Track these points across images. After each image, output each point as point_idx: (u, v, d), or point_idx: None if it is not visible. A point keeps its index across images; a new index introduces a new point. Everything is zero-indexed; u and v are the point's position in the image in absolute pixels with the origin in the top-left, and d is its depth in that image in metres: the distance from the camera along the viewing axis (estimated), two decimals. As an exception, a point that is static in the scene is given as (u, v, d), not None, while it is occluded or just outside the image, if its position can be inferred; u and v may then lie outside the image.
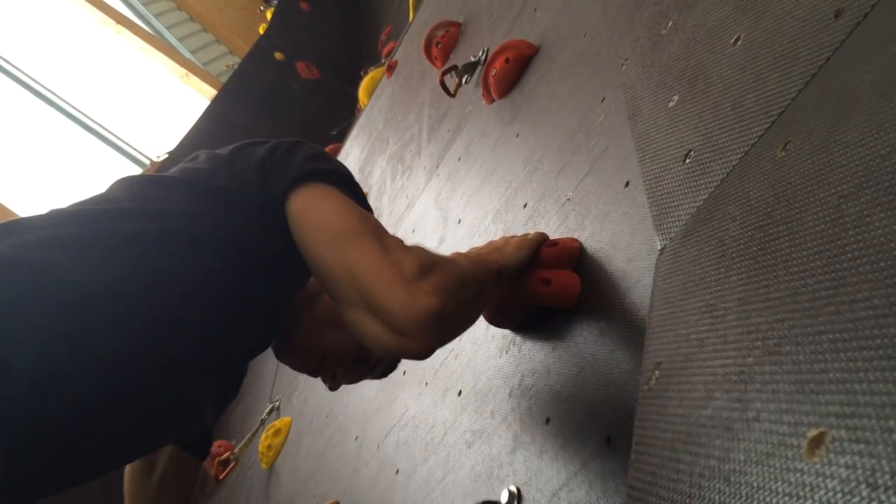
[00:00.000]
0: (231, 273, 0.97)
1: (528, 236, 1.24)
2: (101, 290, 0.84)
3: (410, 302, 0.89)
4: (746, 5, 0.87)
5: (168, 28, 7.83)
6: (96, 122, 6.92)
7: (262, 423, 2.82)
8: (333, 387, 1.25)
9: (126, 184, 1.02)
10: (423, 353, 0.95)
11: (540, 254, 1.27)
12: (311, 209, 1.01)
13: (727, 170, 0.79)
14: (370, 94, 4.25)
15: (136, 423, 0.89)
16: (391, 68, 3.83)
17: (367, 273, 0.92)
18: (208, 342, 0.94)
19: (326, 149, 4.67)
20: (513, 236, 1.26)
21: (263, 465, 2.53)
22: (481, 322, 1.44)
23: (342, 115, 5.48)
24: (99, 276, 0.84)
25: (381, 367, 1.30)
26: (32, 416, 0.76)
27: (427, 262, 0.95)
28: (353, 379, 1.29)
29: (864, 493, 0.39)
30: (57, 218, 0.92)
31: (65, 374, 0.78)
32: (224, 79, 6.59)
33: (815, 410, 0.46)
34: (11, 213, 5.27)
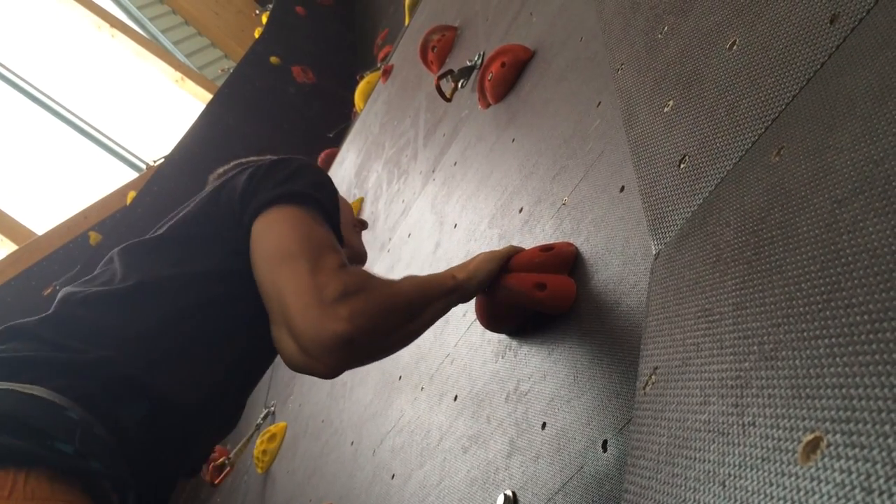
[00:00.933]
0: (232, 295, 1.06)
1: (498, 251, 1.28)
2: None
3: (319, 325, 0.94)
4: (742, 10, 0.88)
5: (163, 32, 7.82)
6: (92, 126, 6.90)
7: (258, 427, 2.82)
8: None
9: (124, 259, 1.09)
10: (327, 374, 1.00)
11: (535, 258, 1.27)
12: (260, 235, 1.07)
13: (722, 175, 0.79)
14: (366, 98, 4.25)
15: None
16: (387, 72, 3.83)
17: (288, 293, 0.98)
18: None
19: (323, 153, 4.66)
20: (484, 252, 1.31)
21: (259, 470, 2.53)
22: (477, 327, 1.44)
23: (338, 119, 5.49)
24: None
25: None
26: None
27: (352, 287, 0.98)
28: None
29: (859, 498, 0.39)
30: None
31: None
32: (219, 83, 6.59)
33: (810, 415, 0.46)
34: (6, 215, 5.26)
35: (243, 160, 1.26)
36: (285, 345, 1.00)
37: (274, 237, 1.04)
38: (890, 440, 0.39)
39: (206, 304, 1.03)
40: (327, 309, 0.94)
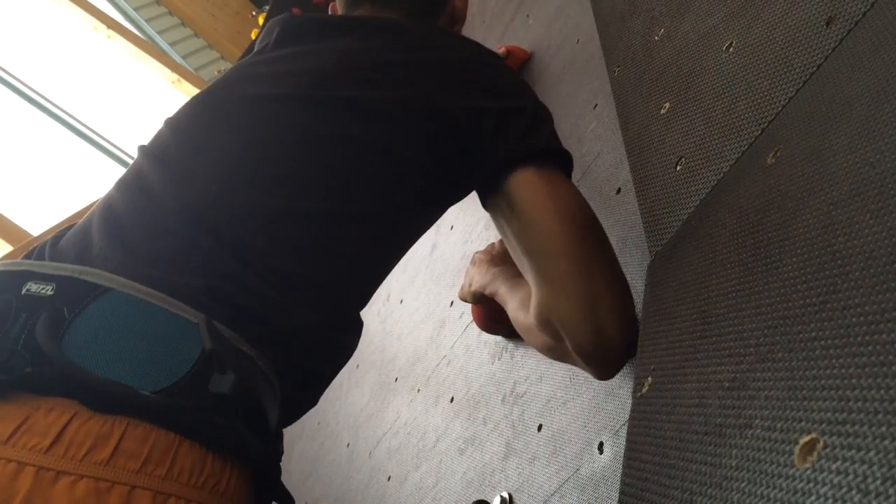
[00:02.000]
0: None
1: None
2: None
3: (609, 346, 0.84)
4: (739, 12, 0.88)
5: (159, 33, 7.81)
6: (87, 127, 6.89)
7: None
8: None
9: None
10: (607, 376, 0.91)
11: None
12: (534, 204, 0.87)
13: (718, 177, 0.79)
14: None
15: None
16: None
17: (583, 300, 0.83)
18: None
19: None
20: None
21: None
22: (474, 329, 1.44)
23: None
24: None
25: None
26: None
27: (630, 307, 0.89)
28: None
29: (856, 499, 0.39)
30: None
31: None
32: (216, 84, 6.58)
33: (807, 417, 0.46)
34: (1, 216, 5.25)
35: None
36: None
37: (559, 219, 0.87)
38: (886, 442, 0.39)
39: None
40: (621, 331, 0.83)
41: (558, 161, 0.92)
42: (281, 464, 0.76)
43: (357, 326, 0.90)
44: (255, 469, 0.70)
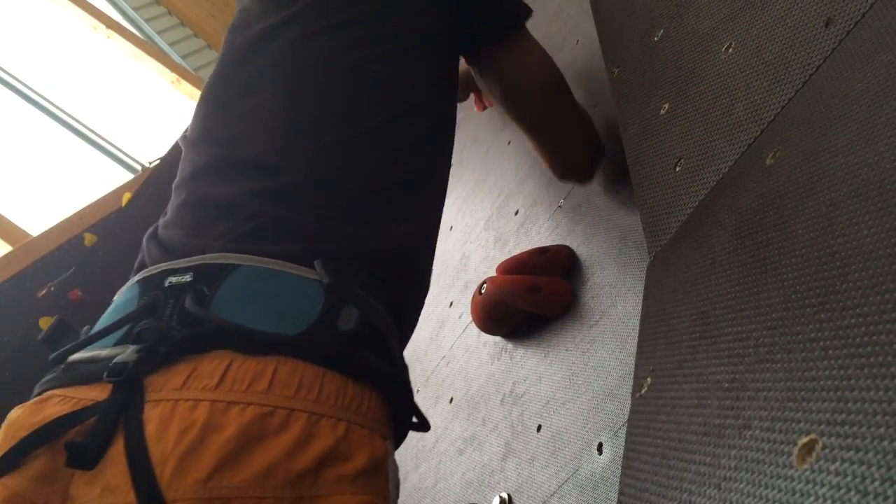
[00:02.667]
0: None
1: None
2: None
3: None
4: (738, 14, 0.88)
5: (159, 33, 7.80)
6: (87, 128, 6.89)
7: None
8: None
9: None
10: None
11: (531, 261, 1.27)
12: (527, 62, 1.18)
13: (718, 177, 0.79)
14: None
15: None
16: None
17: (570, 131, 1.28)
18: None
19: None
20: None
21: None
22: (473, 329, 1.44)
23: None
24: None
25: None
26: None
27: None
28: None
29: (855, 500, 0.39)
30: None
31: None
32: (215, 84, 6.57)
33: (806, 418, 0.47)
34: (1, 216, 5.25)
35: None
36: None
37: (546, 68, 1.20)
38: (885, 443, 0.40)
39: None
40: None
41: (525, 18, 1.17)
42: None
43: (432, 242, 0.98)
44: (389, 391, 0.80)
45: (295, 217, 0.82)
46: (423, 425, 0.88)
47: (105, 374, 0.70)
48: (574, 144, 1.28)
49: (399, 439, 0.87)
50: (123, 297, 0.81)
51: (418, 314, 0.95)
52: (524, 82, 1.18)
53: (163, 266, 0.80)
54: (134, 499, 0.63)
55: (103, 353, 0.74)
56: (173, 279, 0.78)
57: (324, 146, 0.87)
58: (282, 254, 0.78)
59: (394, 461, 0.80)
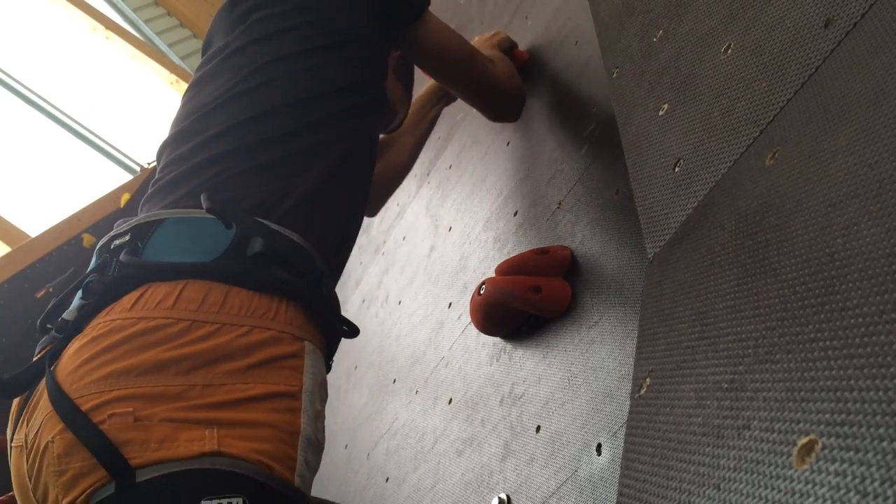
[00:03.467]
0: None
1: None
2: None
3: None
4: (737, 14, 0.88)
5: (158, 34, 7.80)
6: (86, 129, 6.88)
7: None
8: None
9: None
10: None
11: (530, 261, 1.27)
12: (439, 37, 1.40)
13: (717, 178, 0.79)
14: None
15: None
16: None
17: (496, 80, 1.57)
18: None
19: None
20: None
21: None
22: (472, 330, 1.44)
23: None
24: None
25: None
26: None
27: None
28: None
29: (854, 501, 0.39)
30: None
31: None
32: (214, 85, 6.56)
33: (805, 418, 0.47)
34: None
35: None
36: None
37: (455, 40, 1.43)
38: (885, 443, 0.39)
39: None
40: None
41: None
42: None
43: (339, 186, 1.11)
44: (305, 302, 0.94)
45: (219, 186, 0.99)
46: (352, 331, 1.05)
47: (54, 331, 0.90)
48: (495, 96, 1.59)
49: (332, 342, 1.02)
50: (89, 267, 0.98)
51: (345, 246, 1.14)
52: (439, 51, 1.41)
53: (111, 233, 0.98)
54: (52, 408, 0.78)
55: (67, 314, 0.90)
56: (117, 241, 0.95)
57: (249, 144, 1.04)
58: (201, 208, 0.93)
59: (318, 357, 0.94)
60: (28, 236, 4.66)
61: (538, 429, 1.10)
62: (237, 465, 0.77)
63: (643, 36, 1.08)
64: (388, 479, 1.56)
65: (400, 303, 2.03)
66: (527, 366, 1.22)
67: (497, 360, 1.33)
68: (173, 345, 0.82)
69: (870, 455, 0.40)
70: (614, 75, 1.13)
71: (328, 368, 1.05)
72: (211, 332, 0.84)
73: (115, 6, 7.50)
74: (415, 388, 1.65)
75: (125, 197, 5.13)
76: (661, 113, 0.95)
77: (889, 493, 0.37)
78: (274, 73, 1.10)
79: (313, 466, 0.91)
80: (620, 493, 0.65)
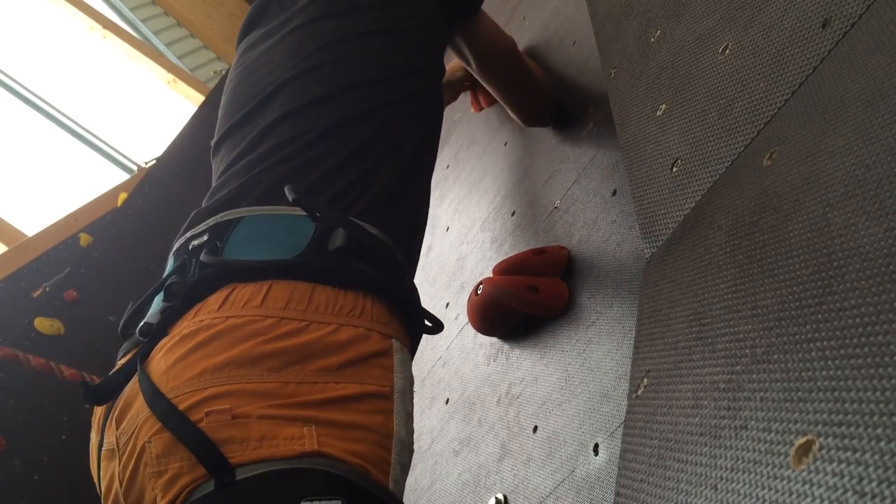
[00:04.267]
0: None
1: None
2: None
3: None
4: (735, 14, 0.88)
5: (155, 33, 7.78)
6: (83, 128, 6.87)
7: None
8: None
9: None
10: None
11: (528, 262, 1.27)
12: (492, 31, 1.43)
13: (714, 178, 0.79)
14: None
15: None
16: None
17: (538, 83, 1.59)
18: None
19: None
20: None
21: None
22: (469, 330, 1.44)
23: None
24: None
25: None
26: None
27: None
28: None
29: (852, 501, 0.39)
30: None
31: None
32: (212, 84, 6.55)
33: (802, 418, 0.46)
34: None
35: None
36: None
37: (506, 38, 1.48)
38: (882, 443, 0.39)
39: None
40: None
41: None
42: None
43: (417, 180, 1.10)
44: (392, 297, 0.92)
45: (294, 176, 0.96)
46: (437, 326, 1.00)
47: (138, 335, 0.89)
48: (534, 97, 1.57)
49: (415, 338, 0.99)
50: (166, 269, 0.97)
51: (419, 237, 1.10)
52: (492, 47, 1.44)
53: (188, 234, 0.96)
54: (149, 411, 0.77)
55: (150, 317, 0.90)
56: (195, 242, 0.93)
57: (320, 133, 1.00)
58: (279, 202, 0.92)
59: (405, 356, 0.90)
60: (24, 235, 4.65)
61: (535, 429, 1.10)
62: (336, 467, 0.75)
63: (641, 36, 1.08)
64: (384, 480, 1.56)
65: (397, 303, 2.02)
66: (524, 366, 1.22)
67: (494, 361, 1.33)
68: (264, 339, 0.80)
69: (867, 455, 0.40)
70: (612, 75, 1.13)
71: None
72: (300, 328, 0.82)
73: (112, 5, 7.49)
74: (412, 388, 1.65)
75: (122, 196, 5.12)
76: (658, 113, 0.95)
77: (887, 493, 0.37)
78: (340, 52, 1.07)
79: (406, 470, 0.87)
80: (617, 494, 0.65)
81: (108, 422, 0.86)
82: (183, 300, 0.86)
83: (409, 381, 0.90)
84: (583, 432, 0.99)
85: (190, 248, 0.93)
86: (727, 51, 0.87)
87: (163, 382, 0.79)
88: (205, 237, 0.93)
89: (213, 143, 1.16)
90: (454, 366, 1.48)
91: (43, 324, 3.64)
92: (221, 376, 0.77)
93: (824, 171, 0.60)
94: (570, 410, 1.04)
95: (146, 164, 5.86)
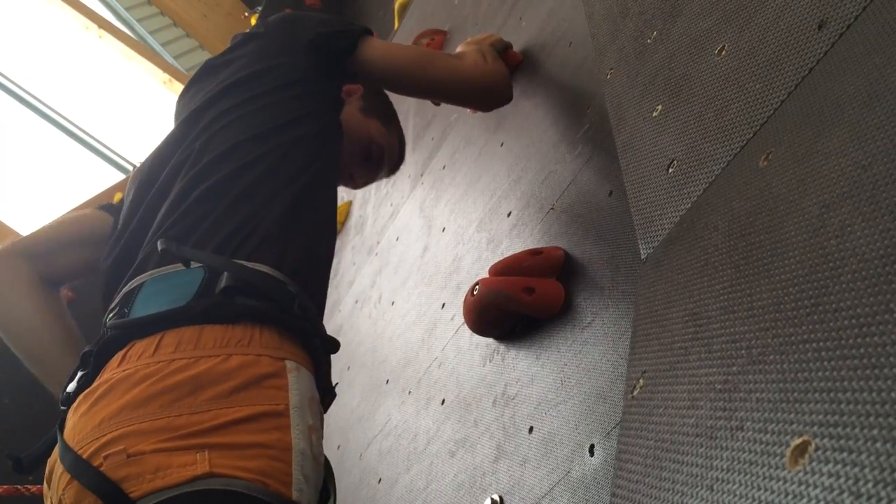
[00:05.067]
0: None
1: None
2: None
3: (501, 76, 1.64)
4: (731, 16, 0.88)
5: (151, 33, 7.77)
6: (78, 128, 6.86)
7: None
8: (355, 186, 1.69)
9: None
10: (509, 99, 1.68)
11: (524, 262, 1.27)
12: (381, 56, 1.41)
13: (710, 179, 0.79)
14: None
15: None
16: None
17: (463, 73, 1.55)
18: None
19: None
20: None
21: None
22: (465, 331, 1.44)
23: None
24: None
25: (386, 166, 1.65)
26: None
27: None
28: (368, 177, 1.65)
29: (847, 502, 0.39)
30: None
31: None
32: (208, 85, 6.54)
33: (798, 419, 0.46)
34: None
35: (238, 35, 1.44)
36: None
37: (403, 53, 1.48)
38: (878, 444, 0.39)
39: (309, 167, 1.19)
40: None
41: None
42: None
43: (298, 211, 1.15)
44: (275, 322, 0.97)
45: (183, 236, 1.04)
46: (332, 347, 1.09)
47: (60, 405, 0.97)
48: (472, 86, 1.58)
49: (318, 356, 1.05)
50: None
51: (317, 265, 1.17)
52: (395, 66, 1.44)
53: (107, 311, 1.05)
54: (62, 466, 0.84)
55: (70, 387, 0.97)
56: (109, 315, 1.02)
57: (203, 190, 1.09)
58: (170, 258, 1.00)
59: (303, 373, 0.97)
60: (17, 234, 4.64)
61: (531, 430, 1.10)
62: (231, 484, 0.81)
63: (637, 37, 1.08)
64: (380, 480, 1.56)
65: (393, 303, 2.02)
66: (520, 367, 1.22)
67: (490, 361, 1.33)
68: (155, 379, 0.87)
69: (863, 456, 0.40)
70: (608, 76, 1.13)
71: (329, 385, 1.10)
72: (189, 363, 0.88)
73: (108, 5, 7.47)
74: (408, 389, 1.65)
75: (117, 196, 5.11)
76: (655, 114, 0.96)
77: (882, 493, 0.37)
78: (227, 119, 1.18)
79: (312, 479, 0.92)
80: (613, 494, 0.65)
81: (49, 485, 0.92)
82: (93, 366, 0.94)
83: (309, 396, 0.96)
84: (579, 433, 0.99)
85: (106, 322, 1.02)
86: (723, 52, 0.87)
87: (70, 438, 0.86)
88: (116, 308, 1.01)
89: (122, 213, 1.26)
90: (450, 366, 1.48)
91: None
92: (117, 421, 0.84)
93: (820, 173, 0.60)
94: (566, 411, 1.04)
95: (140, 164, 5.85)
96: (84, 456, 0.82)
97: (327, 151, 1.26)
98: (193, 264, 0.99)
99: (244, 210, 1.07)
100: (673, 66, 0.96)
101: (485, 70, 1.60)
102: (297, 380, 0.95)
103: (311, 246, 1.15)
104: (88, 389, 0.91)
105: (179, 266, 0.99)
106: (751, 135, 0.76)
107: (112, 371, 0.91)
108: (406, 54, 1.50)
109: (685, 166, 0.85)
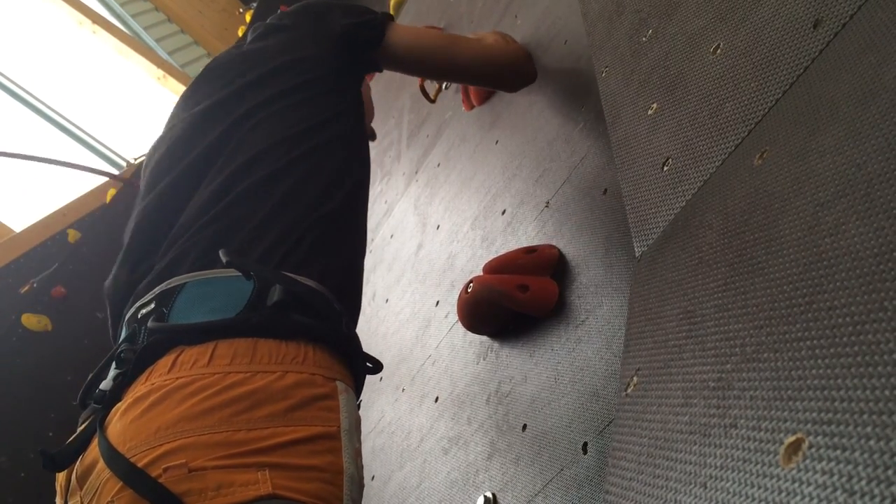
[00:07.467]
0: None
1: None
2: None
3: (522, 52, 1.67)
4: (726, 14, 0.88)
5: (145, 29, 7.74)
6: (72, 123, 6.83)
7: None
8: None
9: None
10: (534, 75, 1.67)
11: (518, 260, 1.27)
12: (407, 41, 1.41)
13: (705, 177, 0.79)
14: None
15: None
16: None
17: (493, 51, 1.60)
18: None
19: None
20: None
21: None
22: (459, 328, 1.43)
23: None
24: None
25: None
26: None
27: None
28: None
29: (841, 499, 0.39)
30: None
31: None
32: (202, 81, 6.52)
33: (792, 417, 0.47)
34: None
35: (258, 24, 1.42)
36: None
37: (428, 35, 1.49)
38: (872, 442, 0.39)
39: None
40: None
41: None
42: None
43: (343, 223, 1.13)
44: (331, 343, 0.97)
45: (222, 238, 1.01)
46: (376, 367, 1.06)
47: (92, 403, 0.94)
48: (498, 67, 1.61)
49: (359, 379, 1.04)
50: (119, 337, 1.02)
51: (356, 280, 1.15)
52: (421, 53, 1.45)
53: (137, 304, 1.01)
54: (110, 472, 0.81)
55: (104, 385, 0.94)
56: (143, 311, 0.98)
57: (241, 192, 1.06)
58: (215, 265, 0.97)
59: (350, 396, 0.95)
60: (12, 231, 4.62)
61: (524, 427, 1.10)
62: None
63: (633, 35, 1.08)
64: (373, 478, 1.56)
65: (387, 301, 2.02)
66: (513, 364, 1.22)
67: (484, 359, 1.33)
68: (212, 391, 0.85)
69: (857, 454, 0.40)
70: (603, 75, 1.13)
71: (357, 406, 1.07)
72: (246, 378, 0.87)
73: (102, 0, 7.44)
74: (401, 386, 1.65)
75: (111, 192, 5.10)
76: (649, 112, 0.96)
77: (876, 491, 0.37)
78: (259, 115, 1.14)
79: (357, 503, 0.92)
80: (607, 492, 0.65)
81: (71, 485, 0.90)
82: (134, 366, 0.91)
83: (355, 419, 0.95)
84: (572, 431, 0.99)
85: (139, 316, 0.99)
86: (718, 50, 0.87)
87: (120, 443, 0.83)
88: (152, 305, 0.98)
89: (135, 218, 1.20)
90: (444, 364, 1.47)
91: (30, 320, 3.62)
92: (174, 432, 0.82)
93: (815, 171, 0.60)
94: (560, 409, 1.04)
95: (135, 160, 5.83)
96: (140, 465, 0.80)
97: (360, 157, 1.24)
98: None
99: (287, 217, 1.04)
100: (668, 65, 0.96)
101: (507, 49, 1.63)
102: (346, 402, 0.94)
103: (353, 258, 1.14)
104: (138, 394, 0.87)
105: (222, 270, 0.97)
106: (745, 133, 0.76)
107: (163, 377, 0.88)
108: (431, 40, 1.49)
109: (680, 165, 0.85)
